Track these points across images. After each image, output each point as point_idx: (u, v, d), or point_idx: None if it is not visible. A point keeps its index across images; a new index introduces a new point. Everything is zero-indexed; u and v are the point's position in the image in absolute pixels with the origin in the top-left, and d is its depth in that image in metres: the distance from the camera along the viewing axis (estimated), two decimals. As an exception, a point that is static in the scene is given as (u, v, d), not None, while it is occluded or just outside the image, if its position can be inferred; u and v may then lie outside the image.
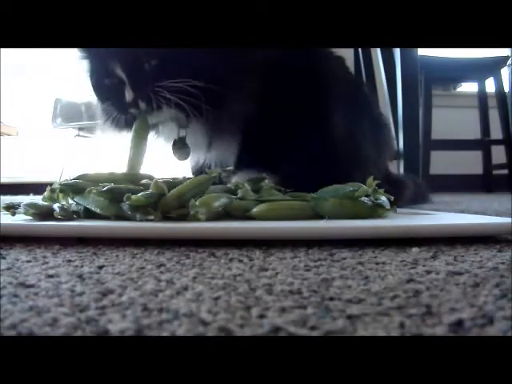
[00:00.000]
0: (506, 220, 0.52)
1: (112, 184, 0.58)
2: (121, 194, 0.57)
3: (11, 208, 0.61)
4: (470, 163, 3.13)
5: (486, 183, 3.03)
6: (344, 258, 0.40)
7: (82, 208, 0.58)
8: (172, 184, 0.59)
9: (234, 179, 0.72)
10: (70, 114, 4.46)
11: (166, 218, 0.55)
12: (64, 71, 5.19)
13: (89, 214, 0.58)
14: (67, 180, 0.66)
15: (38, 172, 4.28)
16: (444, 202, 1.48)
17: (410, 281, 0.32)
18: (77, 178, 0.66)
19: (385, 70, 2.33)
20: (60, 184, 0.62)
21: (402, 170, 1.82)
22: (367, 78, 2.57)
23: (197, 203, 0.54)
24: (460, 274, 0.34)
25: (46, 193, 0.67)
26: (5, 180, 4.36)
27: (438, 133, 2.94)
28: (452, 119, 3.23)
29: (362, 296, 0.28)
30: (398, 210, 0.63)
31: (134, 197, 0.53)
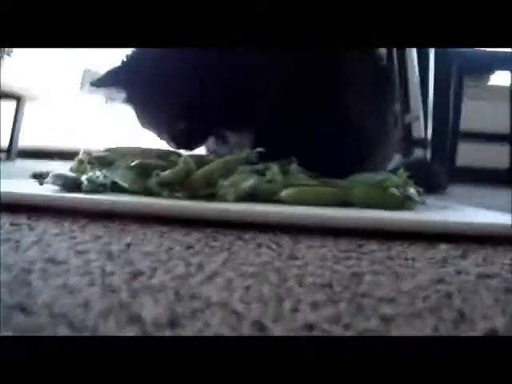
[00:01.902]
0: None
1: (140, 159, 0.58)
2: (149, 169, 0.57)
3: (40, 176, 0.61)
4: (496, 157, 3.09)
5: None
6: (373, 251, 0.40)
7: (109, 181, 0.58)
8: (201, 162, 0.59)
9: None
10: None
11: (193, 196, 0.55)
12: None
13: (116, 188, 0.58)
14: (96, 152, 0.66)
15: (66, 138, 4.32)
16: (468, 196, 1.46)
17: (440, 281, 0.31)
18: (105, 150, 0.66)
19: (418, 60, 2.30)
20: (88, 155, 0.62)
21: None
22: (399, 69, 2.55)
23: (225, 183, 0.54)
24: (491, 277, 0.34)
25: (73, 163, 0.67)
26: (31, 145, 4.41)
27: (466, 124, 2.90)
28: (482, 112, 3.18)
29: (393, 294, 0.28)
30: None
31: (162, 174, 0.53)
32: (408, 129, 2.53)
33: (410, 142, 2.37)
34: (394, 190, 0.54)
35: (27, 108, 3.68)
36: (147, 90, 0.73)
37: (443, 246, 0.43)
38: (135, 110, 0.76)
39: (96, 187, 0.55)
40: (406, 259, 0.37)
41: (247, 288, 0.27)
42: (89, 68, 4.64)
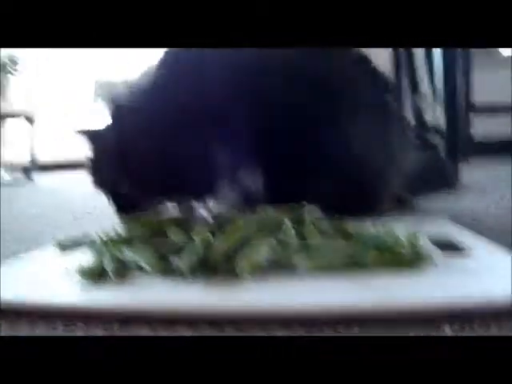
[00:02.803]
0: None
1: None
2: (169, 249, 0.60)
3: (65, 247, 0.65)
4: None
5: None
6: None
7: (131, 261, 0.61)
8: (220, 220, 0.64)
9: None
10: (110, 94, 4.53)
11: (212, 268, 0.57)
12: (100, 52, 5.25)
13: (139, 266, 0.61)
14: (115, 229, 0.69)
15: (79, 151, 4.37)
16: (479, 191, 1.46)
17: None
18: (125, 222, 0.69)
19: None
20: (108, 235, 0.65)
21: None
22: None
23: (241, 259, 0.56)
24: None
25: (96, 238, 0.70)
26: (47, 160, 4.47)
27: (479, 95, 2.88)
28: (493, 81, 3.15)
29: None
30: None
31: (180, 262, 0.55)
32: (419, 114, 2.52)
33: (422, 128, 2.36)
34: (406, 253, 0.56)
35: (41, 123, 3.73)
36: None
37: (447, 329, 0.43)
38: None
39: (122, 274, 0.58)
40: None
41: None
42: (99, 79, 4.69)
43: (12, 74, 3.50)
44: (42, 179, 3.88)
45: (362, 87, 0.90)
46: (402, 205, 1.11)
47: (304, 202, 0.73)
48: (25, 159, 3.60)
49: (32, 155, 3.58)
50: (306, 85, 0.80)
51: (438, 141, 1.99)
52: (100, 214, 1.36)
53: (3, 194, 2.74)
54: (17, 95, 3.54)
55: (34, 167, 3.61)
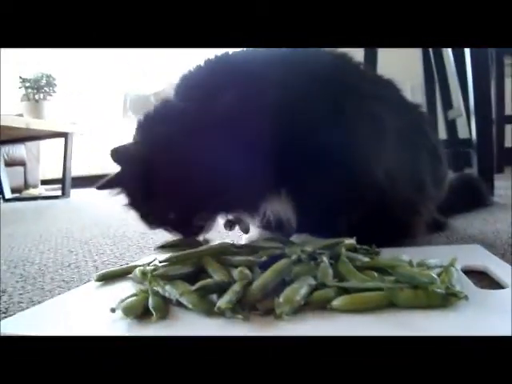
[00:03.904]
0: None
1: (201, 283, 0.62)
2: (210, 288, 0.62)
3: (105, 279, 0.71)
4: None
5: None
6: None
7: (174, 299, 0.63)
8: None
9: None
10: (139, 107, 4.60)
11: (251, 306, 0.59)
12: (130, 65, 5.36)
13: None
14: (156, 265, 0.71)
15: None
16: None
17: None
18: (164, 260, 0.71)
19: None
20: (151, 272, 0.67)
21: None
22: (436, 64, 2.52)
23: (281, 300, 0.58)
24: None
25: (137, 273, 0.72)
26: (81, 173, 4.55)
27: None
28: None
29: None
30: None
31: (222, 303, 0.57)
32: (453, 128, 2.51)
33: (455, 142, 2.35)
34: (438, 291, 0.57)
35: (75, 141, 3.80)
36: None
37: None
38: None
39: (163, 313, 0.60)
40: None
41: None
42: (129, 92, 4.77)
43: (50, 95, 3.58)
44: (77, 194, 3.96)
45: (393, 117, 0.90)
46: (437, 227, 1.12)
47: (341, 237, 0.75)
48: (61, 175, 3.66)
49: (68, 171, 3.64)
50: (342, 126, 0.81)
51: (471, 156, 1.97)
52: (139, 238, 1.40)
53: (41, 209, 2.81)
54: (53, 113, 3.63)
55: (69, 183, 3.68)
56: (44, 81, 3.59)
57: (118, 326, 0.59)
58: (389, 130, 0.88)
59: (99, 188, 0.89)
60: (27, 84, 3.57)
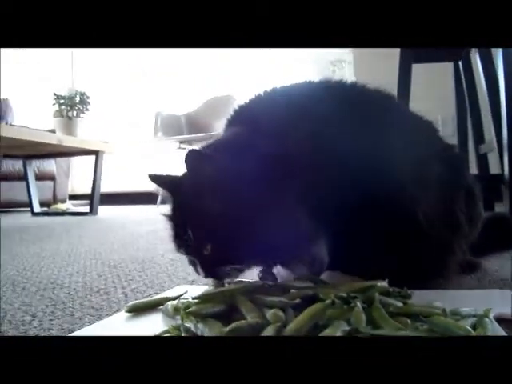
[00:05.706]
0: None
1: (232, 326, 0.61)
2: (243, 331, 0.61)
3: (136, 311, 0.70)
4: None
5: None
6: None
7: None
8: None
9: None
10: (170, 127, 4.65)
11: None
12: (163, 86, 5.45)
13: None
14: (186, 300, 0.71)
15: (141, 183, 4.49)
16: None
17: None
18: (195, 297, 0.71)
19: (485, 72, 2.24)
20: (184, 309, 0.67)
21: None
22: (470, 97, 2.50)
23: (315, 347, 0.57)
24: None
25: (169, 307, 0.72)
26: (108, 190, 4.59)
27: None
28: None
29: None
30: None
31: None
32: (484, 162, 2.48)
33: (486, 177, 2.32)
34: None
35: (105, 158, 3.84)
36: None
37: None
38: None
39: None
40: None
41: None
42: (160, 112, 4.82)
43: (83, 112, 3.64)
44: (104, 211, 4.00)
45: (434, 161, 0.90)
46: (469, 268, 1.10)
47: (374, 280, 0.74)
48: (90, 191, 3.70)
49: (97, 189, 3.67)
50: (392, 172, 0.81)
51: (502, 192, 1.95)
52: (167, 265, 1.40)
53: (68, 226, 2.84)
54: (85, 131, 3.68)
55: (98, 201, 3.70)
56: (78, 98, 3.66)
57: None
58: (431, 173, 0.89)
59: (151, 177, 0.87)
60: (61, 101, 3.64)
